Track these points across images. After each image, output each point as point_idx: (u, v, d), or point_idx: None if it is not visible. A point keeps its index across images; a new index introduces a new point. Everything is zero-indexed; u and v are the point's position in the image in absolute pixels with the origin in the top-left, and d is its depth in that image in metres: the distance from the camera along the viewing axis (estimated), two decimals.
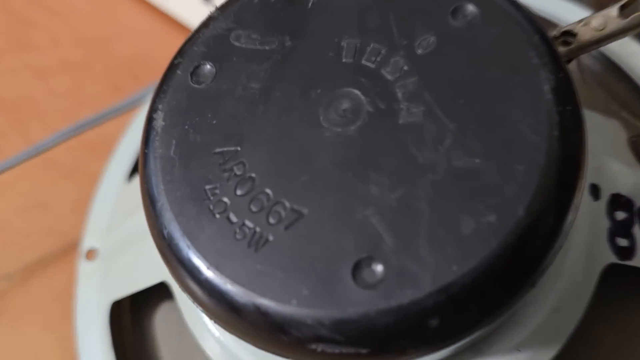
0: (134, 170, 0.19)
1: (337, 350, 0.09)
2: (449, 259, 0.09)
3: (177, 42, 0.13)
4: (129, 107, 0.23)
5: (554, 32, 0.14)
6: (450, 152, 0.10)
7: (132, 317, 0.17)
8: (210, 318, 0.11)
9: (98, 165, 0.23)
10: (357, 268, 0.09)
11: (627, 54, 0.17)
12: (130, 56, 0.28)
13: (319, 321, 0.09)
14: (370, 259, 0.09)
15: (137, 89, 0.23)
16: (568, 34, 0.14)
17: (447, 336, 0.09)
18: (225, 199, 0.10)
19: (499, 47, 0.10)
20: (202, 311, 0.10)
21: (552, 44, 0.10)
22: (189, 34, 0.12)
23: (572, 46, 0.14)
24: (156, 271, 0.14)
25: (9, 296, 0.22)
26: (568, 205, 0.09)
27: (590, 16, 0.14)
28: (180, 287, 0.10)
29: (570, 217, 0.09)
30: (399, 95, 0.10)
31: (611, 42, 0.14)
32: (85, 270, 0.19)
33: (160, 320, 0.17)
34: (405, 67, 0.10)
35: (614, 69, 0.18)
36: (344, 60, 0.10)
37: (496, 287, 0.09)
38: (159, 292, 0.17)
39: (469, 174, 0.09)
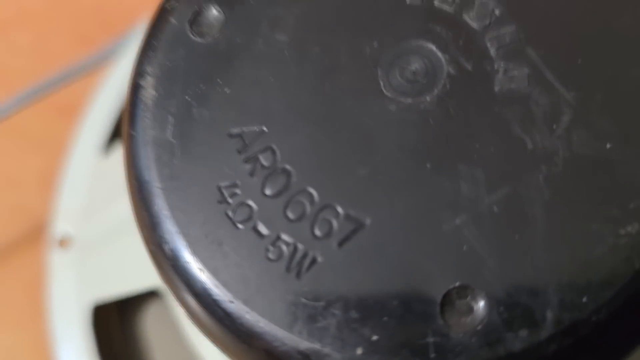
0: (112, 139, 0.16)
1: None
2: (577, 288, 0.06)
3: None
4: (101, 62, 0.19)
5: None
6: (571, 134, 0.07)
7: (120, 317, 0.15)
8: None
9: (67, 132, 0.20)
10: (447, 302, 0.07)
11: None
12: (97, 2, 0.24)
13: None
14: (465, 289, 0.07)
15: (109, 40, 0.20)
16: None
17: None
18: (250, 202, 0.07)
19: None
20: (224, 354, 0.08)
21: None
22: None
23: None
24: (148, 275, 0.12)
25: None
26: None
27: None
28: (191, 320, 0.08)
29: None
30: (492, 51, 0.07)
31: None
32: (59, 261, 0.16)
33: (153, 320, 0.15)
34: (498, 11, 0.07)
35: None
36: (409, 1, 0.08)
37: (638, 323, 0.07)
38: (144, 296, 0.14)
39: (599, 166, 0.07)
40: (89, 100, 0.19)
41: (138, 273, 0.12)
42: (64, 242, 0.17)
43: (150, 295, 0.15)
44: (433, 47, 0.07)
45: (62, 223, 0.16)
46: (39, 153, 0.22)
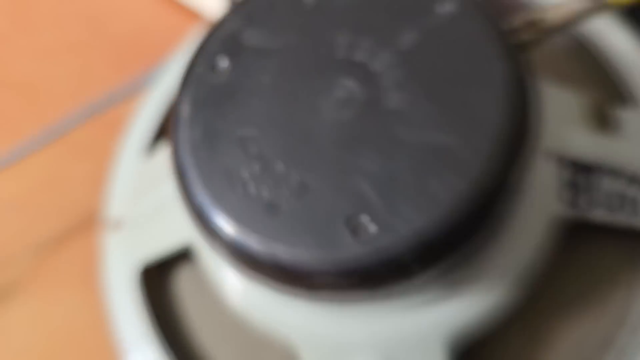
0: (153, 143, 0.21)
1: (334, 282, 0.12)
2: (421, 212, 0.11)
3: (173, 17, 0.15)
4: (140, 88, 0.25)
5: (521, 18, 0.16)
6: (422, 131, 0.12)
7: (159, 281, 0.20)
8: (236, 268, 0.13)
9: (111, 142, 0.25)
10: (352, 222, 0.12)
11: (599, 30, 0.19)
12: (128, 34, 0.29)
13: (321, 262, 0.12)
14: (361, 215, 0.12)
15: (144, 69, 0.25)
16: (535, 19, 0.16)
17: (422, 268, 0.12)
18: (246, 174, 0.12)
19: (460, 42, 0.12)
20: (228, 264, 0.13)
21: (505, 33, 0.13)
22: (205, 33, 0.14)
23: (539, 30, 0.16)
24: (181, 236, 0.17)
25: (32, 274, 0.24)
26: (516, 165, 0.12)
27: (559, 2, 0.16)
28: (210, 245, 0.13)
29: (516, 175, 0.12)
30: (385, 84, 0.12)
31: (578, 24, 0.16)
32: (111, 239, 0.21)
33: (184, 282, 0.20)
34: (389, 62, 0.13)
35: (582, 45, 0.20)
36: (339, 57, 0.13)
37: (458, 231, 0.12)
38: (179, 258, 0.19)
39: (436, 146, 0.12)
40: (132, 116, 0.24)
41: (172, 237, 0.17)
42: (116, 224, 0.22)
43: (184, 262, 0.20)
44: (352, 83, 0.12)
45: (115, 208, 0.21)
46: (87, 159, 0.27)
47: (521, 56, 0.13)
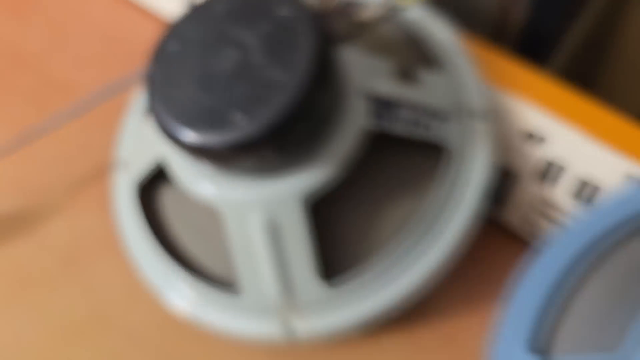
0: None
1: (228, 154, 0.22)
2: (257, 105, 0.22)
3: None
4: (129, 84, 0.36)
5: (345, 17, 0.27)
6: (269, 72, 0.23)
7: (149, 194, 0.31)
8: (181, 153, 0.24)
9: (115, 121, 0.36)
10: (235, 117, 0.23)
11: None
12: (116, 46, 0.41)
13: (211, 137, 0.22)
14: (238, 113, 0.22)
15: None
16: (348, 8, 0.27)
17: (273, 143, 0.23)
18: (184, 95, 0.24)
19: (291, 28, 0.23)
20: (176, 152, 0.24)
21: (320, 23, 0.23)
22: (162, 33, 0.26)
23: (357, 24, 0.27)
24: (156, 155, 0.28)
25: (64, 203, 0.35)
26: (317, 90, 0.23)
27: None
28: (169, 144, 0.24)
29: (321, 96, 0.23)
30: (250, 51, 0.23)
31: (383, 21, 0.27)
32: (120, 173, 0.32)
33: (163, 189, 0.31)
34: (254, 40, 0.24)
35: (405, 29, 0.30)
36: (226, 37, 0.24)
37: (288, 123, 0.22)
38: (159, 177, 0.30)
39: (276, 80, 0.23)
40: (134, 95, 0.35)
41: (150, 157, 0.28)
42: (124, 164, 0.33)
43: (162, 179, 0.31)
44: (234, 51, 0.23)
45: (123, 152, 0.32)
46: (104, 130, 0.38)
47: (328, 37, 0.24)
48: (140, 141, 0.32)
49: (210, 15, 0.25)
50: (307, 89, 0.23)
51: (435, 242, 0.28)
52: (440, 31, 0.31)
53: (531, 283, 0.28)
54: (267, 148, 0.24)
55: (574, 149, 0.30)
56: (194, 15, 0.25)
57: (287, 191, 0.26)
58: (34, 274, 0.32)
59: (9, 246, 0.33)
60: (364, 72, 0.26)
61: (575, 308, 0.26)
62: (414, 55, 0.30)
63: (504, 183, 0.33)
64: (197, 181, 0.27)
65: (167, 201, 0.31)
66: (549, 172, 0.31)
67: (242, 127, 0.23)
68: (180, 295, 0.30)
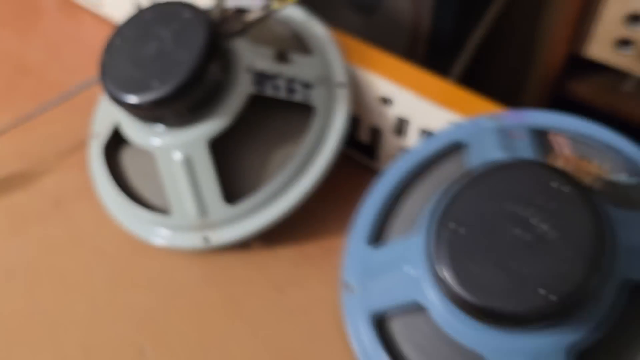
0: None
1: (150, 110, 0.34)
2: (169, 75, 0.33)
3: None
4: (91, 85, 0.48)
5: (235, 17, 0.38)
6: (173, 51, 0.34)
7: (115, 154, 0.42)
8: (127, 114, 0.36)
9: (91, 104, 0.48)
10: (152, 84, 0.34)
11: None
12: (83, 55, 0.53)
13: (140, 98, 0.34)
14: (154, 80, 0.34)
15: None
16: (239, 13, 0.38)
17: (176, 102, 0.35)
18: (127, 73, 0.35)
19: (190, 27, 0.34)
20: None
21: (212, 23, 0.35)
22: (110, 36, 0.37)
23: (244, 23, 0.38)
24: (113, 121, 0.39)
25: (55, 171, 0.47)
26: (206, 67, 0.34)
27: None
28: (117, 106, 0.35)
29: (208, 73, 0.34)
30: (162, 38, 0.35)
31: (263, 19, 0.38)
32: (93, 142, 0.44)
33: (121, 150, 0.42)
34: (167, 34, 0.35)
35: (286, 24, 0.42)
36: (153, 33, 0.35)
37: (185, 88, 0.34)
38: (117, 138, 0.42)
39: (178, 62, 0.34)
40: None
41: (110, 122, 0.40)
42: (97, 135, 0.45)
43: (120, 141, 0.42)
44: (157, 43, 0.35)
45: (96, 128, 0.44)
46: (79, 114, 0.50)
47: (217, 31, 0.35)
48: (105, 116, 0.43)
49: (141, 19, 0.37)
50: (200, 64, 0.35)
51: (308, 171, 0.39)
52: (317, 28, 0.42)
53: (373, 196, 0.38)
54: (175, 103, 0.35)
55: (413, 107, 0.41)
56: (130, 20, 0.37)
57: (196, 136, 0.37)
58: (32, 213, 0.44)
59: (13, 196, 0.45)
60: (250, 55, 0.38)
61: (399, 210, 0.37)
62: (295, 44, 0.41)
63: (374, 140, 0.44)
64: (138, 135, 0.39)
65: (123, 155, 0.43)
66: (400, 126, 0.42)
67: (159, 89, 0.35)
68: (133, 221, 0.41)
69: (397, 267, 0.34)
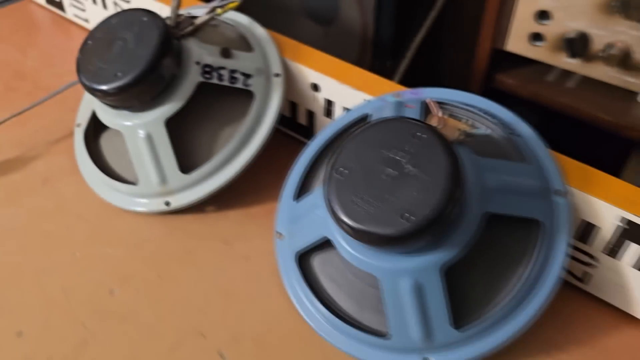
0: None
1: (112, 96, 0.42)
2: (129, 67, 0.42)
3: None
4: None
5: (185, 20, 0.46)
6: (134, 49, 0.42)
7: (91, 137, 0.50)
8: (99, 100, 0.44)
9: (73, 98, 0.56)
10: (115, 76, 0.42)
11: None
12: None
13: (108, 86, 0.42)
14: (119, 73, 0.42)
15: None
16: (190, 18, 0.47)
17: (135, 86, 0.43)
18: (93, 63, 0.43)
19: (147, 28, 0.43)
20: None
21: (166, 25, 0.43)
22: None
23: (194, 25, 0.47)
24: (91, 108, 0.48)
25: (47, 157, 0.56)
26: (160, 60, 0.43)
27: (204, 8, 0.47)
28: (92, 95, 0.43)
29: (163, 65, 0.43)
30: (120, 36, 0.43)
31: (209, 21, 0.47)
32: (76, 130, 0.52)
33: (99, 134, 0.50)
34: (129, 34, 0.43)
35: (232, 26, 0.50)
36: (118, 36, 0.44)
37: (144, 77, 0.42)
38: (95, 124, 0.50)
39: (137, 57, 0.42)
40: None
41: (88, 110, 0.48)
42: (78, 126, 0.53)
43: (98, 126, 0.50)
44: (122, 41, 0.43)
45: (79, 119, 0.52)
46: (68, 107, 0.58)
47: (170, 31, 0.44)
48: (86, 108, 0.52)
49: (109, 24, 0.46)
50: (155, 58, 0.43)
51: (249, 145, 0.47)
52: (258, 30, 0.51)
53: (299, 162, 0.46)
54: (135, 89, 0.44)
55: (335, 90, 0.49)
56: (100, 25, 0.46)
57: (156, 117, 0.46)
58: (24, 189, 0.52)
59: (9, 176, 0.54)
60: (199, 52, 0.47)
61: (317, 170, 0.45)
62: (240, 43, 0.50)
63: (310, 121, 0.52)
64: (110, 119, 0.48)
65: (101, 139, 0.52)
66: (329, 107, 0.50)
67: (122, 79, 0.43)
68: (108, 192, 0.50)
69: (311, 212, 0.42)
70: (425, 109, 0.42)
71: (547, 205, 0.40)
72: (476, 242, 0.37)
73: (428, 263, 0.37)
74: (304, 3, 0.75)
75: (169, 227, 0.49)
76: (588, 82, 0.60)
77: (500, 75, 0.68)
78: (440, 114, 0.40)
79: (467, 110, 0.43)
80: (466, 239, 0.36)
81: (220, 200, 0.50)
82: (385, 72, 0.74)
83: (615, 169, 0.61)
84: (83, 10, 0.70)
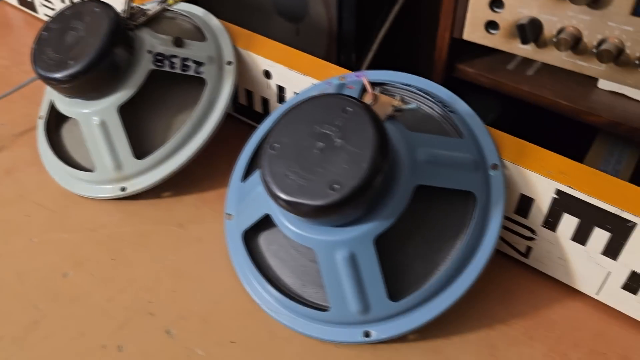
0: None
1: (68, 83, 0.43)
2: (81, 56, 0.43)
3: None
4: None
5: (138, 12, 0.48)
6: (85, 38, 0.44)
7: (52, 128, 0.52)
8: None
9: (39, 93, 0.57)
10: (66, 63, 0.43)
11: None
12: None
13: (61, 74, 0.43)
14: (70, 62, 0.43)
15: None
16: (143, 10, 0.48)
17: (83, 73, 0.44)
18: (48, 54, 0.45)
19: (100, 20, 0.44)
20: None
21: (120, 18, 0.44)
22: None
23: (147, 16, 0.48)
24: (48, 101, 0.49)
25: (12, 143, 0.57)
26: (111, 47, 0.44)
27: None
28: (48, 84, 0.45)
29: (115, 51, 0.44)
30: (75, 29, 0.45)
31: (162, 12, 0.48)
32: (39, 125, 0.54)
33: (60, 124, 0.51)
34: (83, 25, 0.45)
35: (185, 17, 0.52)
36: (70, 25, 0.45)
37: (93, 65, 0.43)
38: (54, 114, 0.51)
39: (85, 40, 0.44)
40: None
41: (48, 102, 0.49)
42: (40, 118, 0.54)
43: (57, 117, 0.52)
44: (74, 32, 0.45)
45: (41, 111, 0.54)
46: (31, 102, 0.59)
47: (122, 22, 0.45)
48: (46, 100, 0.53)
49: (63, 16, 0.48)
50: (105, 46, 0.45)
51: (201, 130, 0.48)
52: (213, 21, 0.53)
53: (248, 145, 0.47)
54: (86, 76, 0.45)
55: (286, 76, 0.50)
56: (55, 17, 0.48)
57: (109, 104, 0.47)
58: None
59: None
60: (151, 41, 0.48)
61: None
62: (194, 33, 0.51)
63: (265, 109, 0.53)
64: (67, 108, 0.49)
65: (62, 128, 0.53)
66: (281, 94, 0.51)
67: (74, 67, 0.45)
68: (67, 180, 0.51)
69: (253, 190, 0.43)
70: (364, 89, 0.43)
71: (482, 178, 0.40)
72: (410, 213, 0.37)
73: (361, 234, 0.38)
74: (275, 1, 0.77)
75: (125, 213, 0.50)
76: (547, 70, 0.61)
77: (462, 65, 0.69)
78: (371, 90, 0.41)
79: (407, 90, 0.44)
80: (399, 210, 0.37)
81: (176, 186, 0.51)
82: (351, 65, 0.75)
83: (582, 155, 0.62)
84: (53, 9, 0.72)
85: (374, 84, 0.44)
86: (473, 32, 0.64)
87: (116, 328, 0.42)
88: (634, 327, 0.42)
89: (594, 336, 0.41)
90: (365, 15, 0.74)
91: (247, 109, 0.56)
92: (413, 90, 0.43)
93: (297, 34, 0.81)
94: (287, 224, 0.40)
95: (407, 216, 0.38)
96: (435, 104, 0.42)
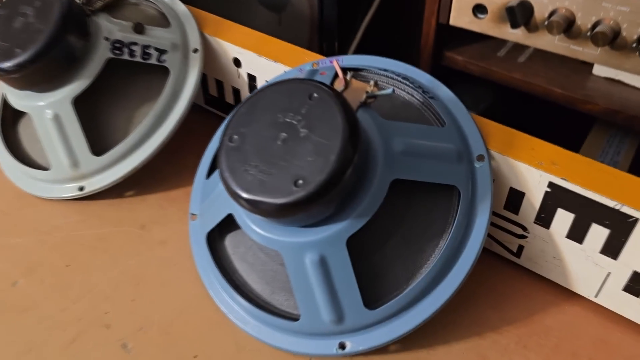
0: None
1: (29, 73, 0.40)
2: (29, 43, 0.39)
3: None
4: None
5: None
6: (35, 24, 0.40)
7: (9, 126, 0.48)
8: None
9: None
10: (13, 52, 0.40)
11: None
12: None
13: (9, 63, 0.39)
14: (16, 50, 0.40)
15: None
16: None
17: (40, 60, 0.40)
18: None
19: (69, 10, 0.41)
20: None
21: (77, 5, 0.41)
22: None
23: (104, 1, 0.44)
24: (2, 95, 0.45)
25: None
26: (68, 37, 0.40)
27: None
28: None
29: (71, 39, 0.40)
30: (28, 17, 0.41)
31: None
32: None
33: (16, 121, 0.48)
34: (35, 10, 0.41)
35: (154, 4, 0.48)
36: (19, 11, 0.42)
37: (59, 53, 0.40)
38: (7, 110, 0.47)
39: (35, 27, 0.40)
40: None
41: (1, 98, 0.46)
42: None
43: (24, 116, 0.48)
44: (22, 20, 0.41)
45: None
46: None
47: (76, 8, 0.41)
48: (1, 95, 0.50)
49: (10, 1, 0.44)
50: (56, 33, 0.41)
51: (165, 123, 0.45)
52: (179, 7, 0.49)
53: (214, 140, 0.43)
54: (35, 65, 0.41)
55: (257, 64, 0.46)
56: (2, 4, 0.44)
57: (62, 96, 0.44)
58: None
59: None
60: (109, 27, 0.44)
61: None
62: (159, 20, 0.48)
63: (237, 100, 0.50)
64: (18, 101, 0.46)
65: (17, 124, 0.49)
66: (252, 83, 0.47)
67: (21, 56, 0.41)
68: (22, 179, 0.48)
69: (217, 187, 0.39)
70: (335, 73, 0.40)
71: (466, 170, 0.37)
72: (387, 211, 0.34)
73: (332, 234, 0.34)
74: None
75: (83, 214, 0.46)
76: (540, 56, 0.57)
77: (451, 53, 0.65)
78: (342, 75, 0.38)
79: (384, 75, 0.40)
80: (374, 208, 0.33)
81: (140, 184, 0.47)
82: (334, 53, 0.71)
83: (579, 147, 0.58)
84: None
85: (349, 70, 0.41)
86: (460, 16, 0.60)
87: (67, 342, 0.38)
88: (638, 332, 0.38)
89: (594, 343, 0.37)
90: (347, 2, 0.71)
91: (218, 100, 0.53)
92: (390, 75, 0.40)
93: (279, 24, 0.77)
94: (251, 224, 0.36)
95: (383, 214, 0.34)
96: (414, 89, 0.39)
